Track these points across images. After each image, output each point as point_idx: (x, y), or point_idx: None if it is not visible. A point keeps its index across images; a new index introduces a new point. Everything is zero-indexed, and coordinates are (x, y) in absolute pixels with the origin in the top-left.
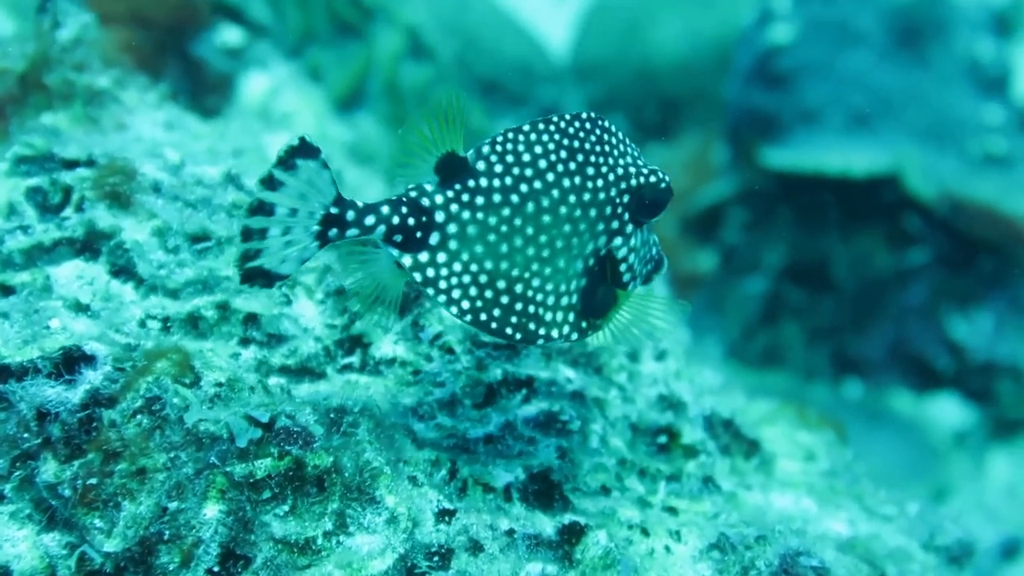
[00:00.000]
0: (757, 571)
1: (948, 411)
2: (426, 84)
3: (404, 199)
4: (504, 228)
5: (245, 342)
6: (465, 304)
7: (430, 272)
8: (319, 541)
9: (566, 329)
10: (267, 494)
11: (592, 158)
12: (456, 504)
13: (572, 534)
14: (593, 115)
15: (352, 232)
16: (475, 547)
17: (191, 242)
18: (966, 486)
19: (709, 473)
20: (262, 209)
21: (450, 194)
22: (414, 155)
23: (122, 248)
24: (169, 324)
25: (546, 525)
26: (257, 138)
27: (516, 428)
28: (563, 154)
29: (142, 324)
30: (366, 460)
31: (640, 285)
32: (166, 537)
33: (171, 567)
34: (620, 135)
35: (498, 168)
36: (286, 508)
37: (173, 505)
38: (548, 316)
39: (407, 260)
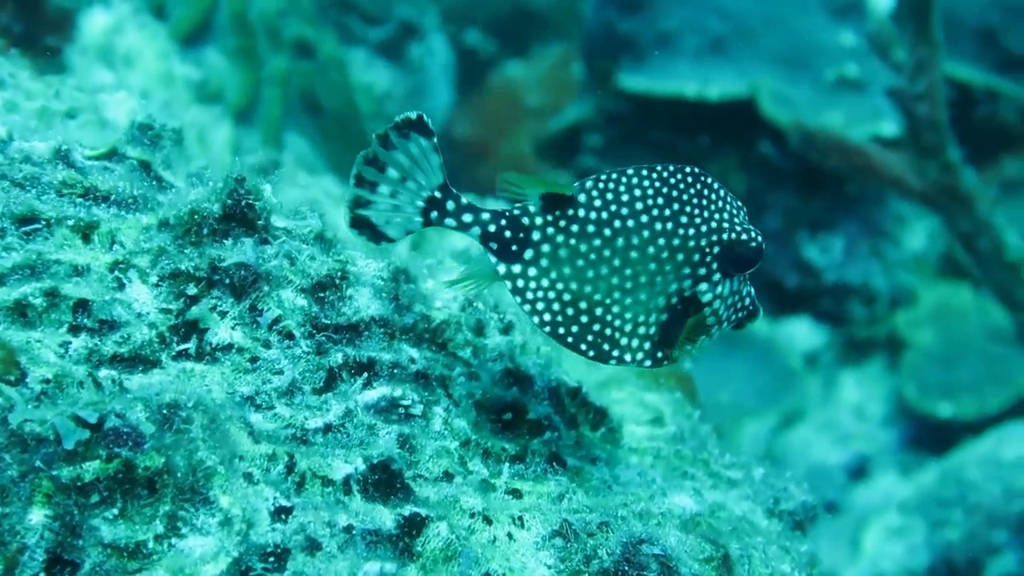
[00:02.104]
0: (599, 560)
1: (801, 333)
2: (278, 13)
3: (506, 212)
4: (593, 256)
5: (75, 330)
6: (547, 317)
7: (519, 283)
8: (150, 545)
9: (640, 355)
10: (95, 498)
11: (688, 208)
12: (293, 500)
13: (413, 526)
14: (697, 170)
15: (449, 222)
16: (312, 546)
17: (18, 225)
18: (818, 408)
19: (555, 449)
20: (375, 162)
21: (549, 218)
22: (523, 186)
23: None
24: None
25: (386, 518)
26: (93, 97)
27: (357, 416)
28: (660, 200)
29: None
30: (199, 459)
31: (730, 329)
32: None
33: None
34: (722, 192)
35: (597, 203)
36: (115, 511)
37: None
38: (624, 341)
39: (501, 268)
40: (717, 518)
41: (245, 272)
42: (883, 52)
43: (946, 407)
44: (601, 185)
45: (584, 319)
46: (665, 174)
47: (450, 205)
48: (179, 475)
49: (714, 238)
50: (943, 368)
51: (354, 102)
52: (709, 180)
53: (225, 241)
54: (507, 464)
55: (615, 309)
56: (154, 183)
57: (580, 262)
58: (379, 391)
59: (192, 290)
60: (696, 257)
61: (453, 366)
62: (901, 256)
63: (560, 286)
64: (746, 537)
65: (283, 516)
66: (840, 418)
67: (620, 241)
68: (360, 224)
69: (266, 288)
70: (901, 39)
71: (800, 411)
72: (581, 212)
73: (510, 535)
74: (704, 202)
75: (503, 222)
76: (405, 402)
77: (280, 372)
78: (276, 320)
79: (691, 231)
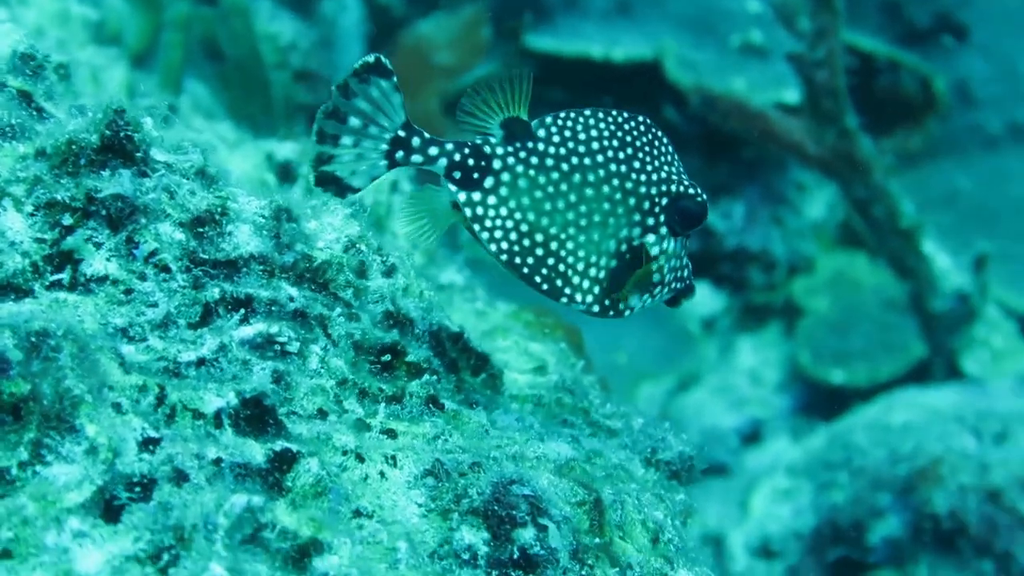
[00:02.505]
0: (470, 499)
1: (700, 298)
2: None
3: (468, 143)
4: (550, 189)
5: None
6: (504, 245)
7: (479, 211)
8: (13, 471)
9: (589, 299)
10: None
11: (640, 155)
12: (162, 432)
13: (283, 461)
14: (649, 121)
15: (416, 158)
16: (180, 477)
17: None
18: (714, 372)
19: (433, 392)
20: (336, 115)
21: (510, 149)
22: (480, 111)
23: None
24: None
25: (257, 453)
26: None
27: (231, 351)
28: (615, 143)
29: None
30: (67, 387)
31: (666, 298)
32: None
33: None
34: (670, 148)
35: (556, 138)
36: None
37: None
38: (576, 280)
39: (462, 196)
40: (593, 464)
41: (122, 204)
42: (788, 21)
43: (839, 374)
44: (560, 122)
45: (540, 251)
46: (620, 119)
47: (415, 141)
48: (45, 403)
49: (663, 188)
50: (837, 335)
51: (257, 51)
52: (659, 132)
53: (103, 172)
54: (383, 404)
55: (569, 245)
56: (34, 113)
57: (538, 193)
58: (255, 327)
59: (68, 220)
60: (646, 205)
61: (333, 307)
62: (800, 224)
63: (518, 216)
64: (620, 484)
65: (151, 447)
66: (736, 382)
67: (576, 177)
68: (325, 181)
69: (143, 221)
70: (806, 8)
71: (696, 375)
72: (540, 145)
73: (382, 473)
74: (655, 152)
75: (466, 151)
76: (281, 339)
77: (155, 305)
78: (152, 253)
79: (643, 177)
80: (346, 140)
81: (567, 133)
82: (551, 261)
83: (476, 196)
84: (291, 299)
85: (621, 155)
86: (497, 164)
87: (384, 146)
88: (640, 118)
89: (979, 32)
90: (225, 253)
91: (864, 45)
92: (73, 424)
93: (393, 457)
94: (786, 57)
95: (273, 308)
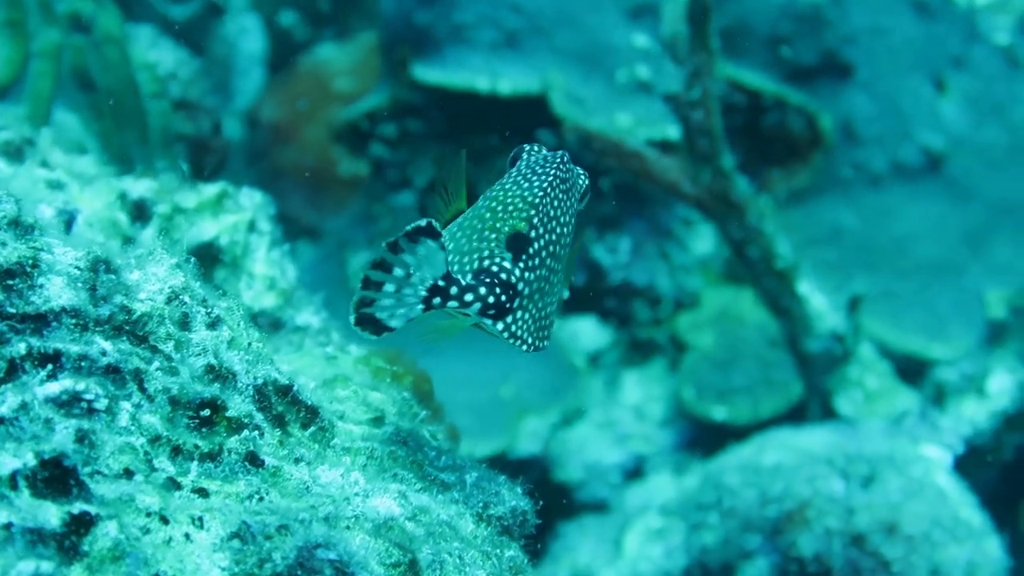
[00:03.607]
0: (273, 564)
1: (585, 332)
2: None
3: (497, 281)
4: (546, 272)
5: None
6: (530, 340)
7: (514, 328)
8: None
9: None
10: None
11: (566, 186)
12: None
13: (81, 524)
14: (561, 152)
15: (452, 304)
16: None
17: None
18: (599, 406)
19: (252, 448)
20: (382, 265)
21: (522, 265)
22: (441, 212)
23: None
24: None
25: (52, 516)
26: None
27: (34, 409)
28: (563, 196)
29: None
30: None
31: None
32: None
33: None
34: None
35: (540, 230)
36: None
37: None
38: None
39: (499, 326)
40: (417, 521)
41: None
42: (676, 55)
43: (720, 410)
44: (542, 212)
45: (546, 323)
46: (562, 168)
47: (453, 290)
48: None
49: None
50: (721, 372)
51: (133, 80)
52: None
53: None
54: (196, 462)
55: (552, 304)
56: None
57: (544, 285)
58: (61, 384)
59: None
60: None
61: (151, 360)
62: (687, 259)
63: (533, 311)
64: (443, 542)
65: None
66: (620, 417)
67: (557, 249)
68: (364, 321)
69: None
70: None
71: (581, 409)
72: (536, 246)
73: (187, 535)
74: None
75: (498, 290)
76: (88, 396)
77: None
78: None
79: (571, 212)
80: (388, 287)
81: (545, 219)
82: (548, 324)
83: (509, 319)
84: (103, 353)
85: (567, 204)
86: (521, 287)
87: (423, 292)
88: (560, 152)
89: (864, 70)
90: (35, 306)
91: (751, 82)
92: None
93: (200, 518)
94: (662, 97)
95: (83, 363)
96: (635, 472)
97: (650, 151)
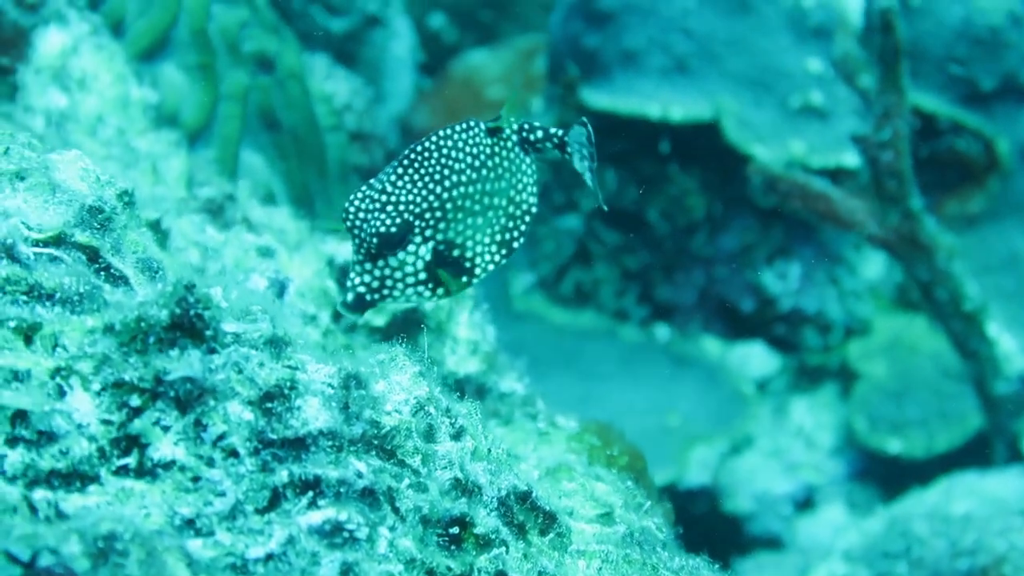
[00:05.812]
0: None
1: (754, 358)
2: (239, 25)
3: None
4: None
5: (12, 442)
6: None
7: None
8: None
9: None
10: None
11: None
12: None
13: None
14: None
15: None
16: None
17: None
18: (767, 434)
19: (501, 567)
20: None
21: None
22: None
23: None
24: None
25: None
26: (43, 157)
27: (299, 542)
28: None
29: None
30: None
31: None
32: None
33: None
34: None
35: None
36: None
37: None
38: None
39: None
40: None
41: (191, 386)
42: (849, 78)
43: (895, 443)
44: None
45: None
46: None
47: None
48: None
49: None
50: (894, 402)
51: (313, 116)
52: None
53: (171, 352)
54: None
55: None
56: (101, 273)
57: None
58: (324, 513)
59: (135, 401)
60: None
61: (401, 477)
62: (857, 285)
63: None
64: None
65: None
66: (789, 445)
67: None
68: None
69: (212, 402)
70: (868, 65)
71: (749, 437)
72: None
73: None
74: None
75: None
76: (350, 526)
77: (223, 494)
78: (220, 436)
79: None
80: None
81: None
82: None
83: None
84: (359, 475)
85: None
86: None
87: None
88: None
89: None
90: (294, 430)
91: (926, 105)
92: None
93: None
94: (850, 138)
95: (341, 489)
96: (806, 503)
97: (836, 192)
